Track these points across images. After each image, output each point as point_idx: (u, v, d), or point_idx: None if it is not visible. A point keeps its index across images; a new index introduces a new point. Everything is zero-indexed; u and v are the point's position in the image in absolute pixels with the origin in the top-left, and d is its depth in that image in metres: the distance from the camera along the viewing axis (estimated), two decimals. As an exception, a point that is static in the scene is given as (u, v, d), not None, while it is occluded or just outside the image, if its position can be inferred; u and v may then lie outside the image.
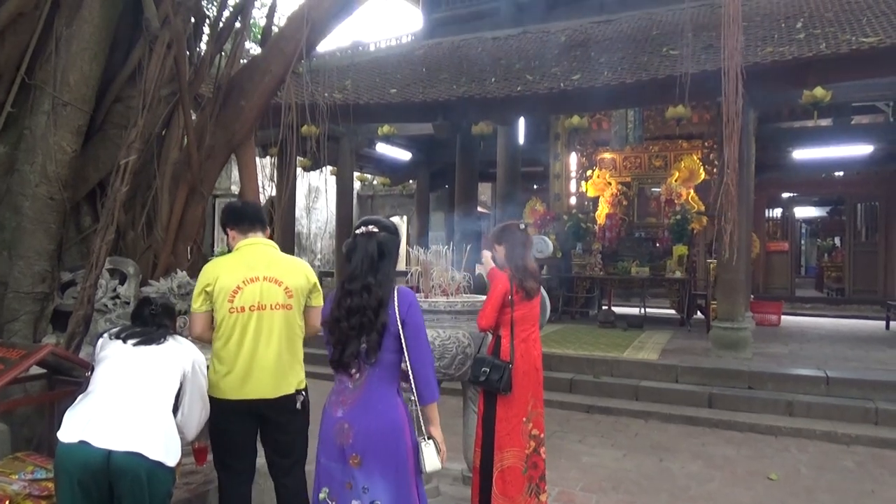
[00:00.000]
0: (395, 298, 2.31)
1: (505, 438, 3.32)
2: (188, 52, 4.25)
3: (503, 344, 3.36)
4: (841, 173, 14.74)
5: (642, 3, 9.78)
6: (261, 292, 2.74)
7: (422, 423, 2.34)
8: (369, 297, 2.27)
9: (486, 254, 3.52)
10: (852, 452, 5.32)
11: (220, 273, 2.77)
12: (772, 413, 6.15)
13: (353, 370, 2.29)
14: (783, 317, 11.29)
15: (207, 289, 2.75)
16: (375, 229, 2.36)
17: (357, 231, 2.40)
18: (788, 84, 7.39)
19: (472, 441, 3.76)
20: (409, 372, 2.30)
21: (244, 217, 2.93)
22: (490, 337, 3.52)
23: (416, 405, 2.33)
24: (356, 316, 2.26)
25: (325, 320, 2.39)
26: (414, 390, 2.32)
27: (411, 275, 3.89)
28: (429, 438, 2.32)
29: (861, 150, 11.68)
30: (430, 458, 2.28)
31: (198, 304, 2.77)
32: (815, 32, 6.86)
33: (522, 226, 3.56)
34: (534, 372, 3.38)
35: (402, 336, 2.28)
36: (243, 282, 2.73)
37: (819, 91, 7.23)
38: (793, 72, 6.73)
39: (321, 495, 2.32)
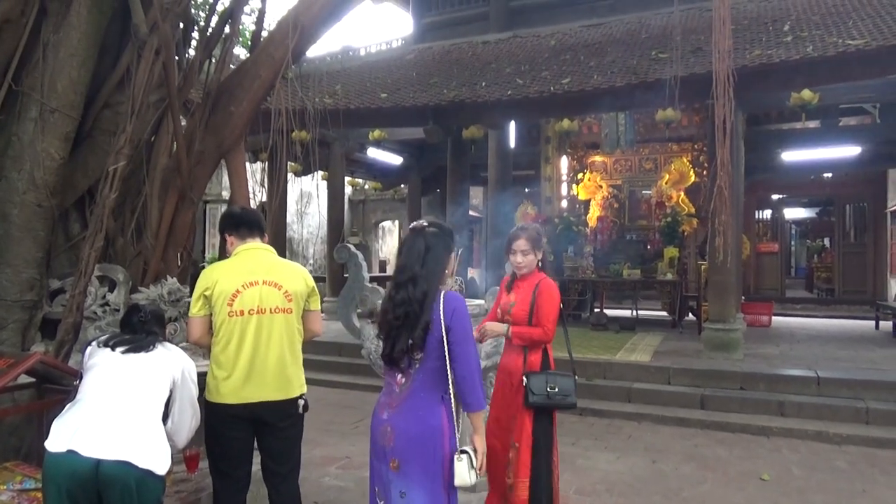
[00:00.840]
0: (441, 303, 2.29)
1: (558, 462, 3.25)
2: (177, 58, 4.24)
3: (551, 355, 3.27)
4: (829, 175, 14.86)
5: (632, 7, 9.83)
6: (260, 296, 2.74)
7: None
8: (415, 289, 2.27)
9: (529, 258, 3.27)
10: (844, 452, 5.34)
11: (220, 277, 2.76)
12: (763, 414, 6.17)
13: (399, 375, 2.31)
14: (774, 317, 11.35)
15: (206, 293, 2.74)
16: (425, 224, 2.41)
17: (410, 227, 2.46)
18: (776, 86, 7.44)
19: (465, 444, 3.73)
20: (453, 378, 2.28)
21: (243, 223, 2.93)
22: (488, 347, 3.50)
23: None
24: (402, 307, 2.27)
25: (375, 317, 2.45)
26: (457, 398, 2.30)
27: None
28: (462, 453, 2.26)
29: (849, 151, 11.78)
30: (461, 473, 2.24)
31: (196, 308, 2.77)
32: (802, 35, 6.92)
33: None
34: None
35: (445, 341, 2.25)
36: (243, 285, 2.73)
37: (807, 93, 7.29)
38: (781, 74, 6.78)
39: (376, 490, 2.37)
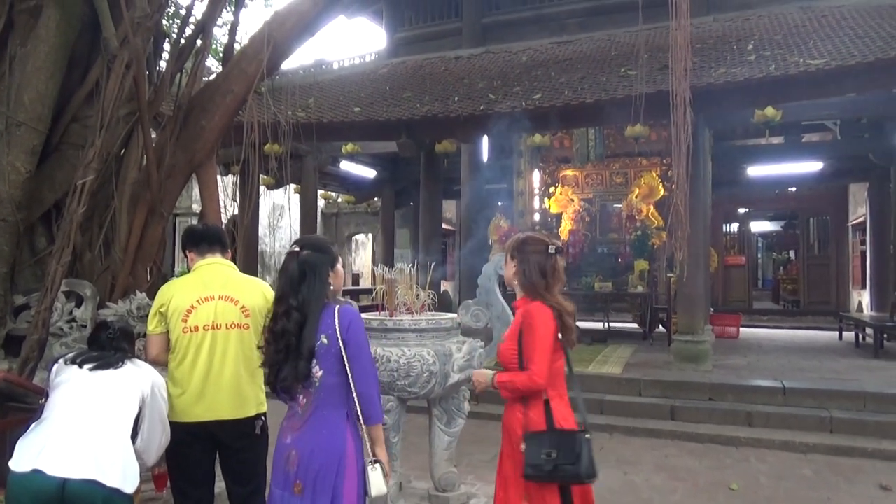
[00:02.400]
0: (336, 318, 2.26)
1: None
2: (148, 71, 4.22)
3: (555, 407, 2.45)
4: (794, 189, 15.26)
5: (601, 25, 10.01)
6: (216, 311, 2.70)
7: (369, 446, 2.30)
8: (288, 321, 2.22)
9: (509, 269, 2.66)
10: (809, 461, 5.46)
11: (175, 293, 2.74)
12: (732, 424, 6.28)
13: (301, 396, 2.26)
14: (742, 329, 11.56)
15: (162, 309, 2.72)
16: (298, 248, 2.32)
17: (288, 252, 2.37)
18: (741, 104, 7.65)
19: (440, 458, 3.74)
20: (354, 392, 2.25)
21: (203, 239, 2.90)
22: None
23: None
24: (281, 339, 2.22)
25: (259, 345, 2.36)
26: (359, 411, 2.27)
27: (376, 293, 3.88)
28: (375, 462, 2.26)
29: (811, 166, 12.13)
30: (376, 483, 2.23)
31: (153, 325, 2.74)
32: (766, 55, 7.12)
33: (553, 249, 2.57)
34: None
35: (344, 356, 2.24)
36: (197, 301, 2.70)
37: (770, 110, 7.49)
38: (745, 92, 6.97)
39: None
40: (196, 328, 2.67)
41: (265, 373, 2.32)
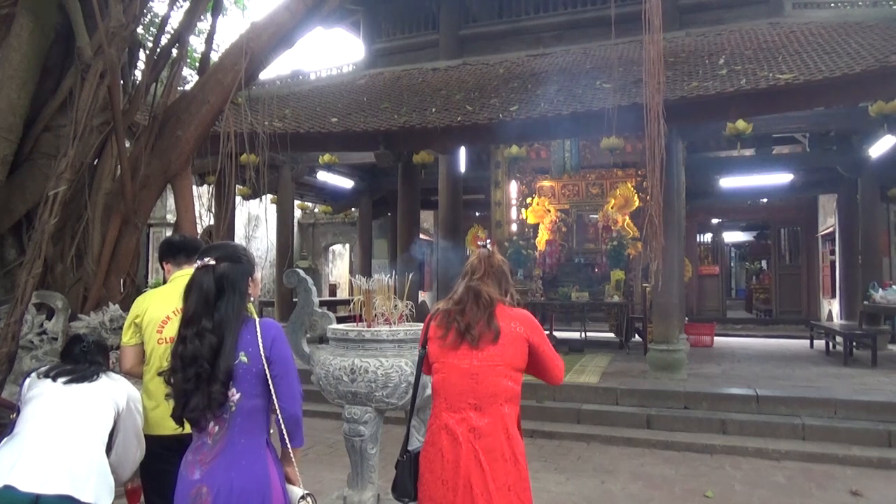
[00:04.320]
0: (258, 333, 2.05)
1: None
2: (123, 81, 4.18)
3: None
4: (765, 200, 15.58)
5: (576, 38, 10.15)
6: None
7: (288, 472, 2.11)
8: (201, 344, 1.97)
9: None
10: (782, 468, 5.54)
11: (150, 304, 2.74)
12: (707, 432, 6.35)
13: (212, 423, 1.99)
14: (716, 338, 11.72)
15: (136, 320, 2.71)
16: (212, 261, 2.06)
17: (196, 265, 2.11)
18: (713, 116, 7.80)
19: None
20: (278, 413, 2.05)
21: (181, 250, 2.90)
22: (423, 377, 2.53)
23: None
24: (192, 367, 1.96)
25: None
26: (284, 433, 2.08)
27: (354, 304, 3.87)
28: (307, 496, 2.09)
29: (782, 178, 12.40)
30: None
31: (127, 336, 2.73)
32: (736, 69, 7.27)
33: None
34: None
35: (268, 375, 2.02)
36: (173, 312, 2.69)
37: (741, 123, 7.66)
38: (716, 105, 7.10)
39: None
40: (171, 339, 2.63)
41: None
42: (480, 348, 2.14)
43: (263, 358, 2.03)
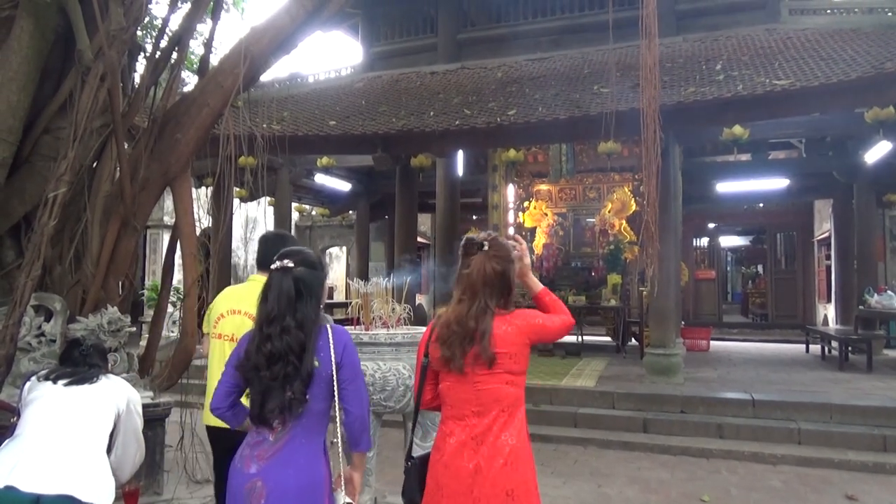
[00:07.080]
0: (330, 339, 2.10)
1: None
2: (122, 84, 4.19)
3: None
4: (761, 205, 15.63)
5: (574, 43, 10.18)
6: (238, 325, 2.78)
7: (342, 473, 2.12)
8: (291, 340, 2.01)
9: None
10: (778, 472, 5.55)
11: (220, 299, 2.92)
12: (703, 436, 6.37)
13: (276, 422, 2.03)
14: (712, 342, 11.75)
15: (208, 313, 2.92)
16: (291, 264, 2.10)
17: (272, 267, 2.13)
18: (710, 122, 7.83)
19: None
20: (344, 417, 2.11)
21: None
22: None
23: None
24: (279, 364, 1.99)
25: (240, 366, 2.08)
26: (346, 437, 2.11)
27: (351, 307, 3.88)
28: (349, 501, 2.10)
29: (778, 183, 12.44)
30: None
31: (204, 326, 2.95)
32: (734, 74, 7.30)
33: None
34: None
35: (335, 380, 2.07)
36: (228, 311, 2.85)
37: (738, 129, 7.69)
38: (713, 110, 7.13)
39: None
40: (220, 336, 2.83)
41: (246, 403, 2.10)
42: (480, 360, 2.12)
43: (334, 363, 2.08)
